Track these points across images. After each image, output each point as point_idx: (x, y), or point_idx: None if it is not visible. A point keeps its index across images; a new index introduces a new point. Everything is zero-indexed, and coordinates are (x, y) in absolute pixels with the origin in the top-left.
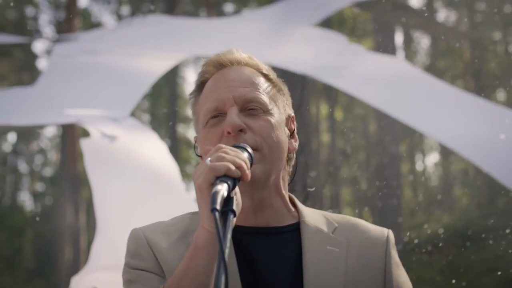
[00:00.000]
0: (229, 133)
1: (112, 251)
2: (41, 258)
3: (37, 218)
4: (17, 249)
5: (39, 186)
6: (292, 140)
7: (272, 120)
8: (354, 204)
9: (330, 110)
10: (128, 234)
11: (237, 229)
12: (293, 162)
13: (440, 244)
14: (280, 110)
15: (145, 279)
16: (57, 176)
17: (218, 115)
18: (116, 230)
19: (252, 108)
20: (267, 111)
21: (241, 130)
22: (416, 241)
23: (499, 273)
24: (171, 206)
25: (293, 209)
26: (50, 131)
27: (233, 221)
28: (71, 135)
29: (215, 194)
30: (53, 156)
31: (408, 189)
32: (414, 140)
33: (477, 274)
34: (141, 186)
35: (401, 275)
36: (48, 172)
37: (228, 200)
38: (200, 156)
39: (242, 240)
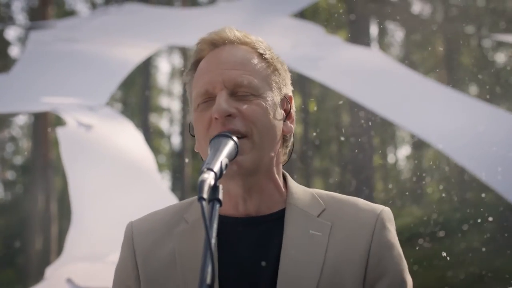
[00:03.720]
0: (216, 118)
1: (87, 241)
2: (11, 247)
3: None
4: None
5: (10, 174)
6: (288, 122)
7: (264, 104)
8: None
9: (303, 101)
10: (104, 225)
11: (225, 220)
12: (289, 143)
13: (411, 237)
14: (274, 92)
15: None
16: (28, 165)
17: (208, 99)
18: (92, 220)
19: (242, 93)
20: (258, 95)
21: (230, 115)
22: None
23: (469, 266)
24: (147, 196)
25: (284, 191)
26: (21, 119)
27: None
28: (43, 123)
29: (201, 183)
30: (24, 144)
31: (380, 181)
32: (387, 132)
33: (449, 266)
34: (117, 176)
35: (391, 257)
36: (19, 160)
37: (214, 189)
38: (194, 136)
39: (228, 231)
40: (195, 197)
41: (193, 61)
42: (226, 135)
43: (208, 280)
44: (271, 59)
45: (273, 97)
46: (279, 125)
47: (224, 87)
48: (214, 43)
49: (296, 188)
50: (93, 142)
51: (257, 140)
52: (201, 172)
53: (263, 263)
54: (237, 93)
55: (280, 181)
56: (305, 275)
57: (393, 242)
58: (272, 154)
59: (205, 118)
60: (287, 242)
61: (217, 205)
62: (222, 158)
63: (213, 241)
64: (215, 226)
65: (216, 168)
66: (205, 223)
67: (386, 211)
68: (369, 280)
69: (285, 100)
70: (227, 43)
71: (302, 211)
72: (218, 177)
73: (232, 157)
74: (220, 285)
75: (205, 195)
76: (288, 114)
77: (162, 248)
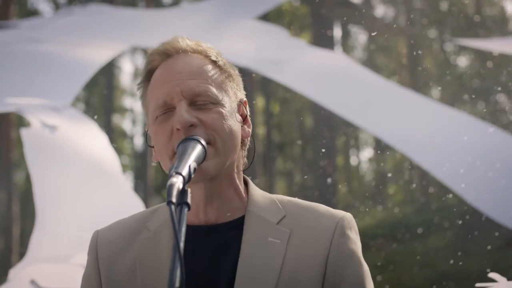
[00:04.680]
0: (178, 129)
1: (51, 243)
2: None
3: None
4: None
5: None
6: (245, 126)
7: (223, 111)
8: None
9: (266, 103)
10: (68, 226)
11: (186, 228)
12: (247, 147)
13: (373, 239)
14: (231, 98)
15: None
16: None
17: (167, 110)
18: (56, 221)
19: (201, 102)
20: (217, 103)
21: (191, 125)
22: None
23: (432, 268)
24: (111, 197)
25: (245, 197)
26: None
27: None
28: (5, 123)
29: (170, 187)
30: None
31: (343, 183)
32: (349, 135)
33: (410, 268)
34: (81, 177)
35: (350, 265)
36: None
37: (182, 193)
38: (152, 147)
39: (188, 240)
40: (159, 205)
41: (145, 72)
42: (194, 138)
43: (177, 284)
44: (224, 65)
45: (231, 103)
46: (239, 130)
47: (183, 98)
48: (167, 53)
49: (257, 194)
50: (58, 143)
51: (220, 146)
52: (169, 176)
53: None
54: (196, 102)
55: (241, 186)
56: (262, 283)
57: (352, 249)
58: (233, 159)
59: (166, 129)
60: (244, 249)
61: (186, 209)
62: (191, 162)
63: (182, 244)
64: (183, 229)
65: (185, 172)
66: (174, 226)
67: (347, 218)
68: (327, 287)
69: (241, 104)
70: (180, 52)
71: (261, 218)
72: (187, 181)
73: (200, 161)
74: None
75: (174, 199)
76: (244, 119)
77: (124, 256)
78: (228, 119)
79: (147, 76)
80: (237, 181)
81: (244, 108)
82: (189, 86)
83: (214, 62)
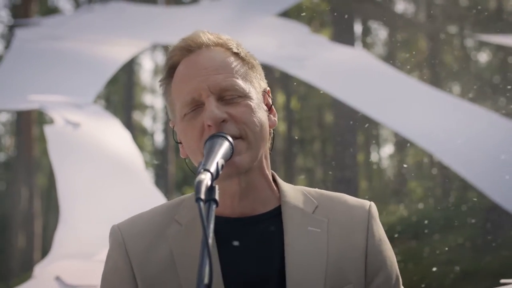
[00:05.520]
0: (210, 125)
1: (75, 239)
2: None
3: None
4: None
5: None
6: (271, 115)
7: (252, 103)
8: None
9: (287, 99)
10: (92, 223)
11: (223, 220)
12: (272, 136)
13: (395, 236)
14: (256, 89)
15: None
16: (11, 161)
17: (196, 107)
18: (80, 218)
19: (230, 96)
20: (244, 95)
21: (223, 121)
22: None
23: (453, 264)
24: (134, 194)
25: (275, 188)
26: (4, 116)
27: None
28: (26, 120)
29: (199, 184)
30: (7, 141)
31: (363, 180)
32: (370, 131)
33: (431, 266)
34: (104, 174)
35: (384, 249)
36: (1, 157)
37: (211, 190)
38: (180, 143)
39: (227, 231)
40: (182, 198)
41: (167, 68)
42: (221, 135)
43: (206, 280)
44: (246, 56)
45: (257, 94)
46: (266, 120)
47: (211, 93)
48: (188, 49)
49: (286, 185)
50: (81, 140)
51: (252, 140)
52: (198, 173)
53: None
54: (224, 97)
55: (270, 176)
56: (312, 270)
57: (383, 235)
58: (263, 151)
59: (196, 126)
60: (289, 239)
61: (214, 206)
62: (218, 159)
63: (210, 241)
64: (212, 226)
65: (213, 168)
66: (203, 223)
67: (373, 206)
68: (369, 273)
69: (266, 94)
70: (203, 47)
71: (297, 208)
72: (215, 177)
73: (228, 158)
74: (226, 286)
75: (202, 196)
76: (270, 108)
77: (156, 251)
78: (256, 111)
79: (169, 72)
80: (267, 171)
81: (268, 97)
82: (216, 81)
83: (236, 54)
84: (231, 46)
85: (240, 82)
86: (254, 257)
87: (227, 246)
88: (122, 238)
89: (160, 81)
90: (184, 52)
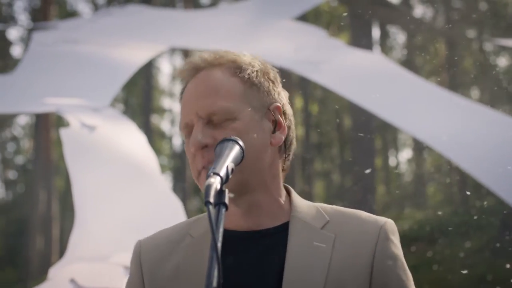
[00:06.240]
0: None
1: (90, 242)
2: (12, 247)
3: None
4: None
5: (11, 174)
6: (277, 132)
7: (240, 126)
8: (327, 198)
9: (305, 103)
10: (107, 226)
11: (227, 233)
12: (290, 151)
13: (412, 240)
14: (255, 107)
15: None
16: (29, 164)
17: (190, 132)
18: (95, 221)
19: (217, 120)
20: (233, 118)
21: (206, 146)
22: None
23: (471, 269)
24: (150, 197)
25: (287, 205)
26: (23, 119)
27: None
28: (45, 123)
29: (208, 187)
30: (26, 144)
31: (381, 184)
32: (388, 135)
33: (449, 270)
34: (120, 177)
35: (394, 267)
36: (20, 160)
37: (220, 193)
38: None
39: (232, 244)
40: (202, 214)
41: (181, 90)
42: (232, 139)
43: (215, 283)
44: (249, 75)
45: (254, 113)
46: (262, 140)
47: (200, 118)
48: (190, 72)
49: (300, 201)
50: (97, 143)
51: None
52: (207, 176)
53: (266, 274)
54: (213, 121)
55: (282, 194)
56: (309, 285)
57: (396, 253)
58: (262, 170)
59: (189, 151)
60: (291, 253)
61: (223, 209)
62: (228, 162)
63: (219, 244)
64: (221, 230)
65: (222, 172)
66: (212, 227)
67: (390, 223)
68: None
69: (271, 111)
70: (202, 68)
71: (305, 224)
72: (224, 181)
73: (238, 162)
74: None
75: (211, 199)
76: (277, 125)
77: (167, 262)
78: (246, 133)
79: (181, 94)
80: (273, 188)
81: (275, 114)
82: (204, 106)
83: (235, 73)
84: (230, 66)
85: (230, 104)
86: (252, 271)
87: (231, 259)
88: (139, 250)
89: (180, 93)
90: (189, 73)
